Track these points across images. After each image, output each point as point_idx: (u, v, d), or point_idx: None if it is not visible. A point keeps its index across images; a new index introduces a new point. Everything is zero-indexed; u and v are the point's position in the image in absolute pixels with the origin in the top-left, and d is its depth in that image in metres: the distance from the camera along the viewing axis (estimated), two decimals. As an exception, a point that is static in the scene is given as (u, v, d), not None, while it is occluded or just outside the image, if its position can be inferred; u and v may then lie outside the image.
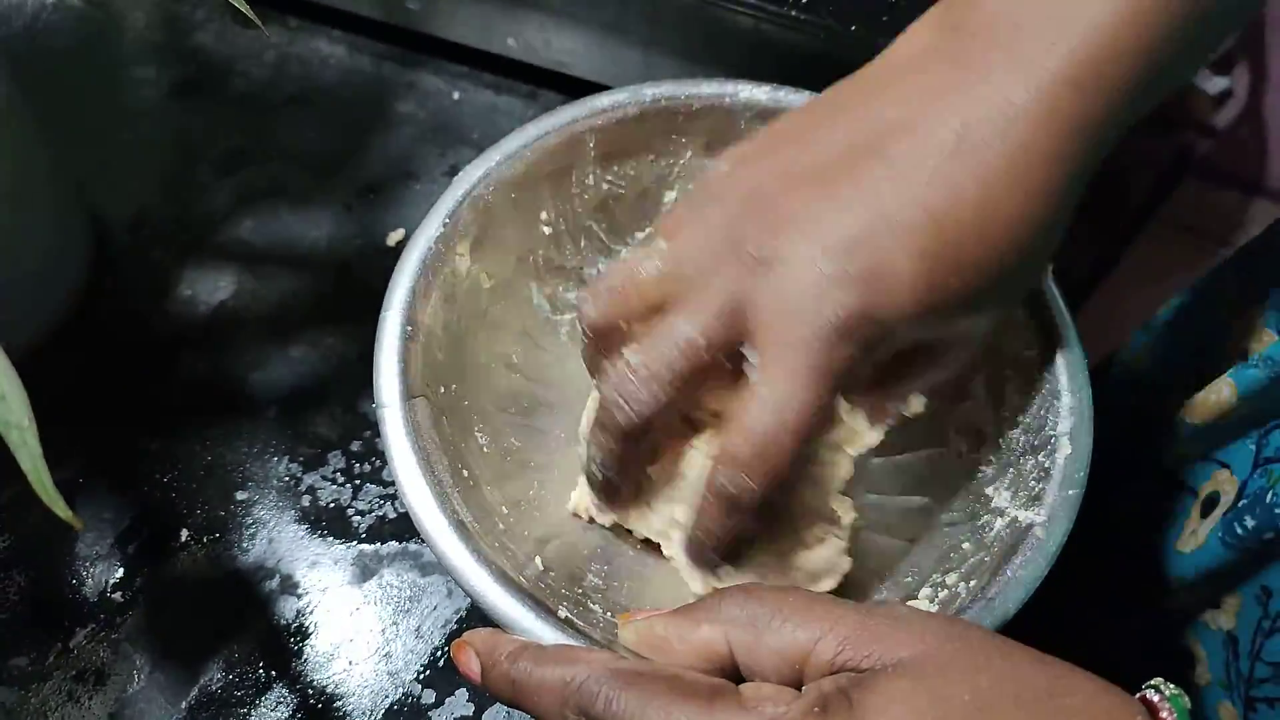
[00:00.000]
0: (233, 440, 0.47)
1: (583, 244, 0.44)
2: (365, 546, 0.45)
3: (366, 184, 0.54)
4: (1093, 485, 0.34)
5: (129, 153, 0.55)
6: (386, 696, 0.42)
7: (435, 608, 0.44)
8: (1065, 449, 0.34)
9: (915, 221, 0.30)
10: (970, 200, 0.30)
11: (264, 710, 0.41)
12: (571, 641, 0.30)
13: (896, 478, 0.42)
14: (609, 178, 0.43)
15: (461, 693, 0.42)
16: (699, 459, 0.35)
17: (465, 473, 0.37)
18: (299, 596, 0.44)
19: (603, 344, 0.34)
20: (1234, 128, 0.84)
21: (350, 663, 0.42)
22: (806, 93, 0.41)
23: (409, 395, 0.35)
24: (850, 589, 0.39)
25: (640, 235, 0.45)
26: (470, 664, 0.30)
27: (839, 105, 0.33)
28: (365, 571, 0.44)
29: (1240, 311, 0.45)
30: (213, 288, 0.51)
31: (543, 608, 0.32)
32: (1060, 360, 0.36)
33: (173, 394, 0.48)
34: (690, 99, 0.42)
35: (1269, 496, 0.38)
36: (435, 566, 0.44)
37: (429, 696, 0.42)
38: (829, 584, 0.37)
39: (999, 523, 0.34)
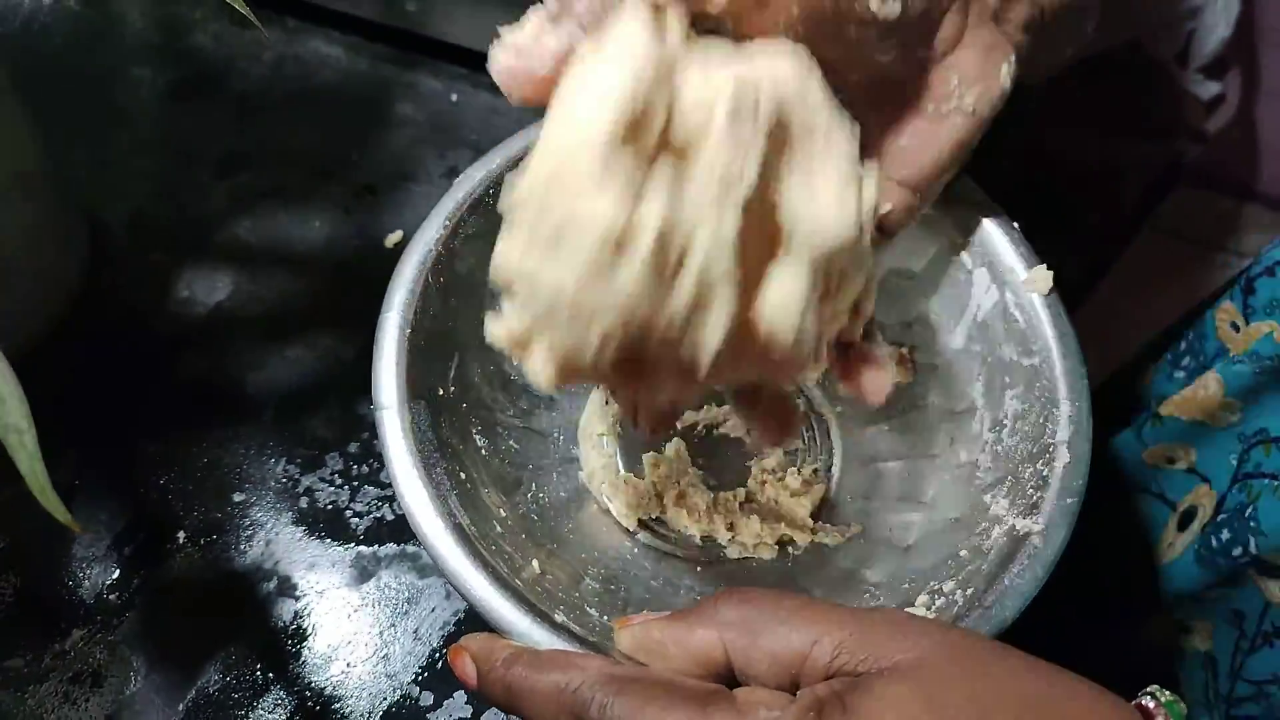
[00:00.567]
0: (230, 442, 0.47)
1: None
2: (363, 548, 0.45)
3: (365, 185, 0.54)
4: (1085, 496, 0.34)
5: (126, 153, 0.54)
6: (384, 698, 0.42)
7: (433, 609, 0.44)
8: (1064, 457, 0.34)
9: None
10: None
11: (261, 712, 0.41)
12: (568, 646, 0.30)
13: (893, 483, 0.43)
14: None
15: (459, 695, 0.42)
16: None
17: (463, 475, 0.37)
18: (297, 598, 0.44)
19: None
20: (1226, 133, 0.84)
21: (348, 665, 0.42)
22: None
23: (407, 398, 0.35)
24: (846, 595, 0.39)
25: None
26: (466, 669, 0.30)
27: None
28: (363, 573, 0.44)
29: (1241, 326, 0.45)
30: (210, 289, 0.51)
31: (539, 612, 0.32)
32: (1059, 368, 0.36)
33: (170, 395, 0.48)
34: None
35: (1247, 511, 0.38)
36: (433, 568, 0.44)
37: (427, 698, 0.42)
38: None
39: (997, 530, 0.34)
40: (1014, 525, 0.34)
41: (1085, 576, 0.44)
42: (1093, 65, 0.34)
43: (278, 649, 0.42)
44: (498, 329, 0.28)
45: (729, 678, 0.27)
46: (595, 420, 0.44)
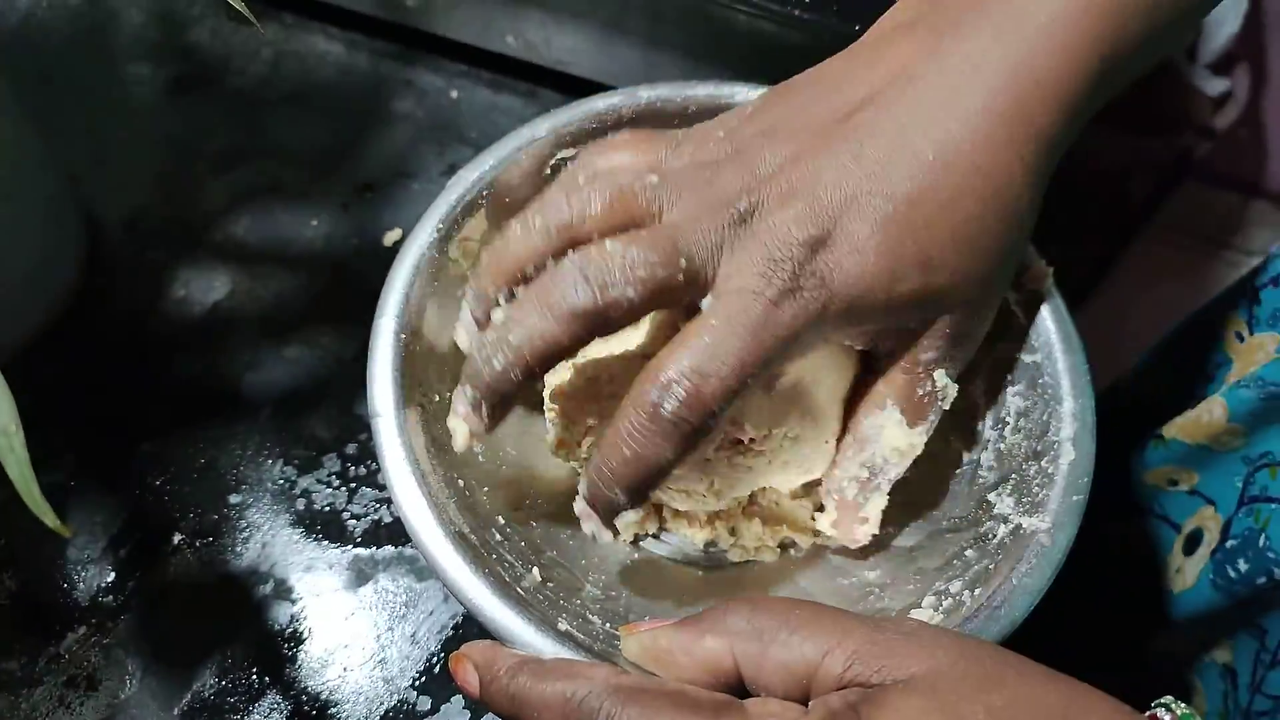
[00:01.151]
0: (226, 443, 0.47)
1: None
2: (360, 551, 0.44)
3: (363, 183, 0.54)
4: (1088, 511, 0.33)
5: (123, 150, 0.54)
6: (382, 703, 0.41)
7: (431, 613, 0.43)
8: (1069, 454, 0.33)
9: (880, 187, 0.31)
10: (928, 165, 0.31)
11: (257, 717, 0.41)
12: (572, 655, 0.30)
13: (896, 483, 0.42)
14: None
15: (457, 700, 0.41)
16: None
17: (461, 482, 0.36)
18: (293, 601, 0.43)
19: (562, 247, 0.32)
20: (1233, 130, 0.83)
21: (345, 669, 0.42)
22: None
23: (403, 404, 0.35)
24: (851, 597, 0.39)
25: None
26: (468, 678, 0.29)
27: (826, 74, 0.35)
28: (360, 576, 0.44)
29: (1245, 336, 0.45)
30: (207, 288, 0.50)
31: (542, 620, 0.31)
32: (1062, 364, 0.35)
33: (166, 395, 0.48)
34: (686, 101, 0.41)
35: (1261, 540, 0.38)
36: (432, 572, 0.44)
37: (425, 704, 0.41)
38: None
39: (1002, 529, 0.34)
40: (1020, 524, 0.33)
41: (1092, 592, 0.44)
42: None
43: (274, 653, 0.42)
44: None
45: (738, 688, 0.27)
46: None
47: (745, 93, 0.41)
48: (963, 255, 0.32)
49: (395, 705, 0.41)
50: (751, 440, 0.36)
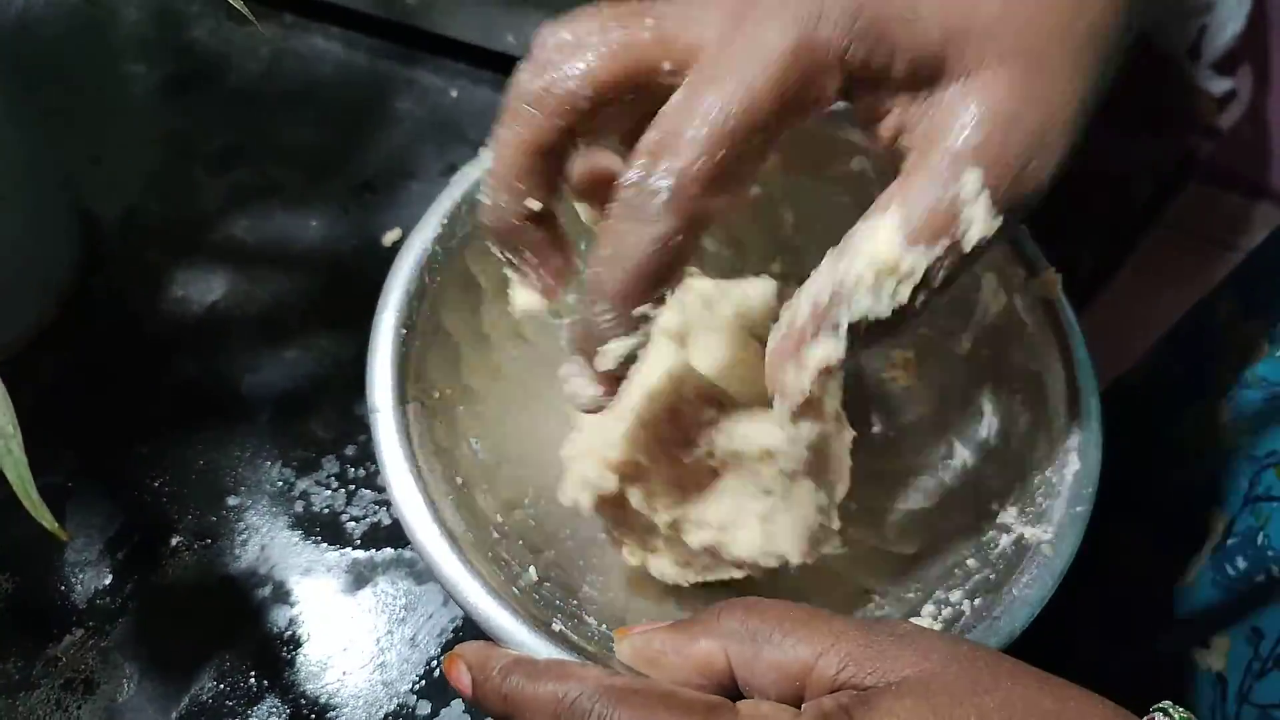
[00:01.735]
0: (225, 444, 0.46)
1: (582, 246, 0.43)
2: (359, 554, 0.44)
3: (363, 182, 0.53)
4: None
5: (120, 149, 0.54)
6: (381, 707, 0.41)
7: (431, 616, 0.43)
8: (1074, 465, 0.33)
9: None
10: None
11: (255, 721, 0.41)
12: (565, 656, 0.30)
13: (899, 489, 0.42)
14: None
15: (457, 704, 0.41)
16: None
17: (459, 480, 0.36)
18: (292, 604, 0.43)
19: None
20: (1238, 130, 0.83)
21: (344, 673, 0.42)
22: None
23: (403, 400, 0.35)
24: (849, 604, 0.38)
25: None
26: (462, 678, 0.29)
27: None
28: (359, 579, 0.44)
29: (1241, 330, 0.45)
30: (205, 288, 0.50)
31: (536, 621, 0.31)
32: (1069, 374, 0.35)
33: (164, 396, 0.47)
34: None
35: (1260, 538, 0.38)
36: (431, 575, 0.43)
37: (424, 708, 0.41)
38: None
39: (1005, 539, 0.34)
40: (1022, 534, 0.33)
41: (1093, 591, 0.44)
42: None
43: (272, 656, 0.42)
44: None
45: (731, 689, 0.27)
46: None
47: None
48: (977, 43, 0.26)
49: (394, 709, 0.41)
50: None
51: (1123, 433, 0.46)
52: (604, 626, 0.35)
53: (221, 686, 0.41)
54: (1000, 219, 0.26)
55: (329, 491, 0.45)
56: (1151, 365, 0.53)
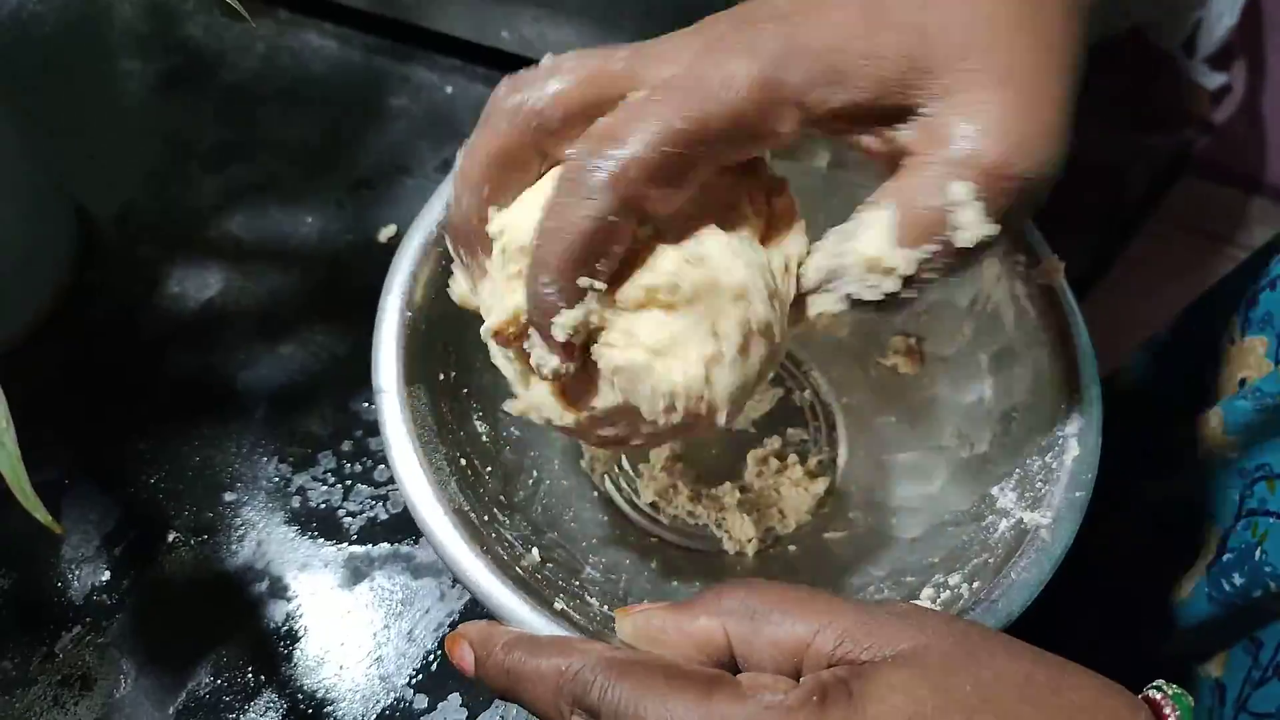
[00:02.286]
0: (221, 440, 0.46)
1: None
2: (356, 548, 0.44)
3: (358, 179, 0.53)
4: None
5: (115, 146, 0.54)
6: (378, 701, 0.41)
7: (428, 611, 0.43)
8: (1073, 450, 0.33)
9: None
10: None
11: (253, 716, 0.40)
12: (567, 633, 0.30)
13: (900, 475, 0.42)
14: None
15: (454, 698, 0.41)
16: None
17: (463, 461, 0.36)
18: (289, 599, 0.43)
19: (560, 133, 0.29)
20: (1232, 124, 0.83)
21: (341, 667, 0.42)
22: None
23: (407, 381, 0.35)
24: (850, 587, 0.38)
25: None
26: (465, 656, 0.29)
27: None
28: (356, 574, 0.43)
29: (1232, 341, 0.45)
30: (201, 284, 0.50)
31: (539, 599, 0.31)
32: (1070, 359, 0.35)
33: (160, 392, 0.47)
34: None
35: (1258, 554, 0.38)
36: (428, 569, 0.44)
37: (421, 701, 0.41)
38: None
39: (1003, 523, 0.34)
40: (1021, 519, 0.33)
41: (1090, 595, 0.44)
42: (1097, 55, 0.33)
43: (269, 651, 0.42)
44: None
45: (731, 667, 0.27)
46: None
47: None
48: (978, 19, 0.27)
49: (392, 703, 0.41)
50: None
51: (1114, 439, 0.46)
52: (605, 607, 0.35)
53: (219, 682, 0.41)
54: (996, 225, 0.27)
55: (325, 487, 0.45)
56: (1142, 372, 0.53)
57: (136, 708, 0.40)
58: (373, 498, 0.45)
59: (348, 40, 0.57)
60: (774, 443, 0.44)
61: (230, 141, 0.54)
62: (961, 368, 0.40)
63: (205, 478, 0.45)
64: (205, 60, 0.56)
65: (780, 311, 0.29)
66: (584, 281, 0.27)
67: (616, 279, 0.28)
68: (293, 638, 0.42)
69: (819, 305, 0.29)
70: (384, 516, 0.45)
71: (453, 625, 0.43)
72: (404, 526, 0.44)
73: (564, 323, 0.28)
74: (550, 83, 0.28)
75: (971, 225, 0.26)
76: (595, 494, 0.42)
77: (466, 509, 0.33)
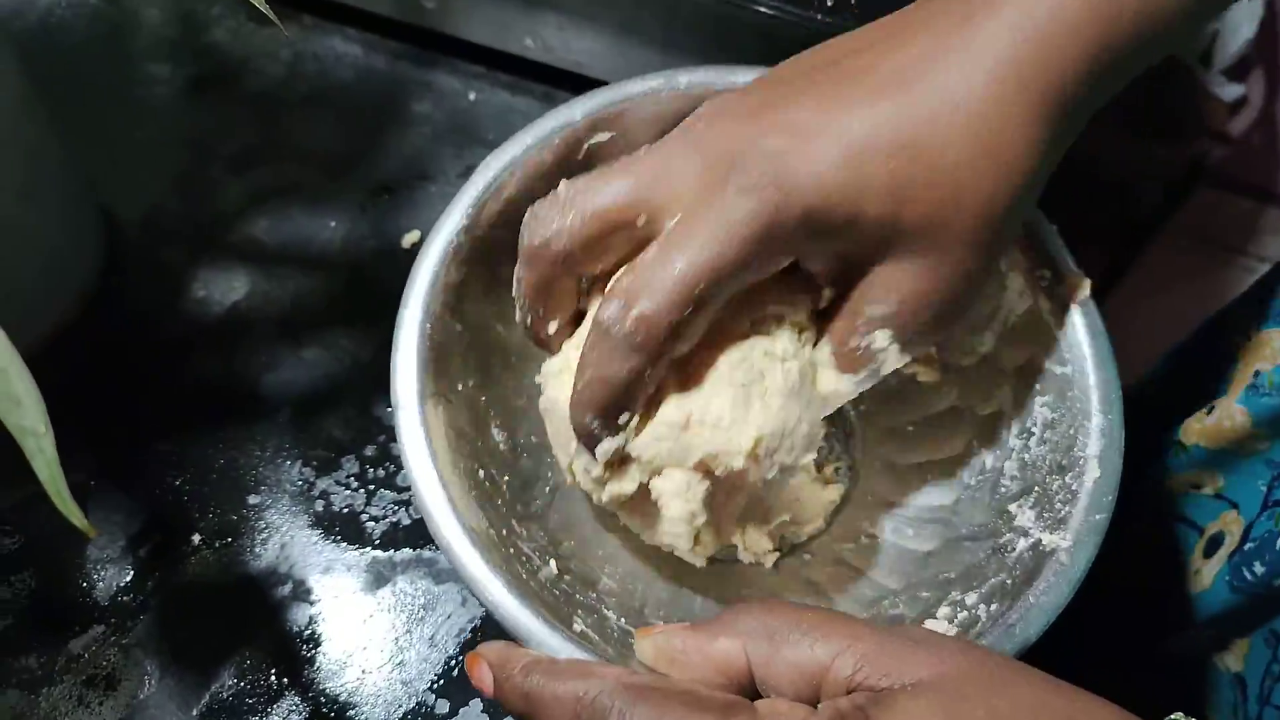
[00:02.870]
0: (245, 443, 0.47)
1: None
2: (379, 553, 0.44)
3: (381, 184, 0.54)
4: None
5: (141, 150, 0.54)
6: (400, 706, 0.41)
7: (449, 616, 0.43)
8: (1094, 472, 0.33)
9: (854, 116, 0.30)
10: (920, 100, 0.30)
11: (276, 719, 0.41)
12: (586, 656, 0.30)
13: (917, 483, 0.42)
14: None
15: (476, 704, 0.41)
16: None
17: (481, 474, 0.36)
18: (311, 603, 0.43)
19: (571, 272, 0.34)
20: (1249, 135, 0.83)
21: (363, 671, 0.42)
22: None
23: (427, 394, 0.35)
24: (865, 600, 0.39)
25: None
26: (483, 676, 0.30)
27: (824, 43, 0.34)
28: (379, 578, 0.44)
29: (1258, 336, 0.45)
30: (226, 288, 0.50)
31: (558, 618, 0.31)
32: (1094, 379, 0.35)
33: (184, 395, 0.48)
34: (727, 88, 0.41)
35: (1278, 543, 0.38)
36: (449, 574, 0.44)
37: (443, 707, 0.41)
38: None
39: (1022, 543, 0.34)
40: (1040, 540, 0.33)
41: (1111, 591, 0.44)
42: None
43: (292, 655, 0.42)
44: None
45: (750, 689, 0.27)
46: None
47: None
48: (945, 199, 0.30)
49: (413, 708, 0.41)
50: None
51: (1137, 434, 0.46)
52: (624, 621, 0.35)
53: (242, 684, 0.42)
54: (909, 355, 0.34)
55: (349, 491, 0.46)
56: (1166, 369, 0.53)
57: (160, 709, 0.41)
58: (395, 503, 0.45)
59: (372, 46, 0.58)
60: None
61: (255, 146, 0.54)
62: (982, 379, 0.40)
63: (229, 480, 0.46)
64: (231, 66, 0.56)
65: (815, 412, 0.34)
66: (622, 418, 0.32)
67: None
68: (315, 641, 0.43)
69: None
70: (406, 521, 0.45)
71: (474, 631, 0.43)
72: (426, 532, 0.44)
73: (606, 449, 0.33)
74: (569, 219, 0.32)
75: (892, 360, 0.34)
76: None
77: (484, 526, 0.34)
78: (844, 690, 0.25)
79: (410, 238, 0.52)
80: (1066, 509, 0.33)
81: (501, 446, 0.39)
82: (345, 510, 0.45)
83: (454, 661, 0.42)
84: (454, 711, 0.41)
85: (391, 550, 0.44)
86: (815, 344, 0.35)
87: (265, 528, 0.45)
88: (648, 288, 0.30)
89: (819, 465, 0.43)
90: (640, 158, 0.32)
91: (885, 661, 0.25)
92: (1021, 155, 0.31)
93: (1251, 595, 0.40)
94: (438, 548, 0.33)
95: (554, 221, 0.32)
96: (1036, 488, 0.35)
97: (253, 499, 0.45)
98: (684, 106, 0.40)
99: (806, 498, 0.43)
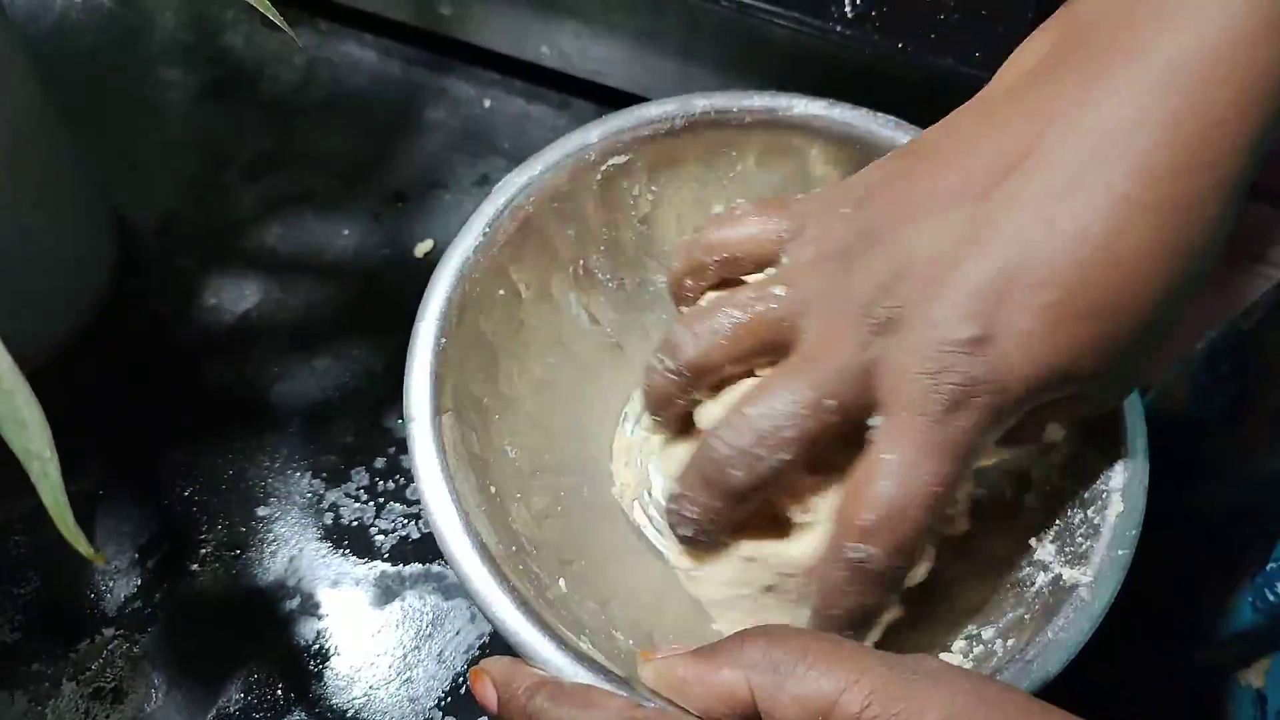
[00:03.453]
0: (255, 453, 0.46)
1: (626, 255, 0.43)
2: (388, 567, 0.44)
3: (395, 192, 0.53)
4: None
5: (156, 155, 0.54)
6: (407, 723, 0.41)
7: (458, 632, 0.43)
8: (1117, 505, 0.32)
9: (1037, 273, 0.28)
10: (1094, 237, 0.28)
11: (283, 734, 0.41)
12: (592, 677, 0.30)
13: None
14: (655, 188, 0.42)
15: (483, 721, 0.41)
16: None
17: (493, 489, 0.36)
18: (320, 617, 0.43)
19: (698, 384, 0.34)
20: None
21: (371, 687, 0.42)
22: (863, 109, 0.40)
23: (440, 409, 0.35)
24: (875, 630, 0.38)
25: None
26: (487, 693, 0.29)
27: (958, 134, 0.31)
28: (387, 593, 0.44)
29: None
30: (238, 296, 0.50)
31: (565, 639, 0.31)
32: (1118, 411, 0.34)
33: (195, 404, 0.48)
34: (742, 112, 0.40)
35: None
36: (459, 590, 0.44)
37: (450, 725, 0.41)
38: None
39: (1041, 578, 0.33)
40: (1060, 575, 0.33)
41: (1130, 604, 0.43)
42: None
43: (300, 669, 0.42)
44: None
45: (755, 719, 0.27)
46: (630, 437, 0.44)
47: (804, 105, 0.40)
48: (1138, 331, 0.29)
49: (420, 726, 0.41)
50: None
51: (1160, 453, 0.45)
52: (633, 643, 0.35)
53: (249, 698, 0.41)
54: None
55: (358, 504, 0.45)
56: (1190, 388, 0.53)
57: (168, 722, 0.41)
58: (405, 516, 0.45)
59: (387, 52, 0.57)
60: None
61: (269, 153, 0.54)
62: None
63: (239, 491, 0.46)
64: (245, 71, 0.56)
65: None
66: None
67: None
68: (323, 656, 0.42)
69: None
70: (416, 535, 0.45)
71: (483, 648, 0.43)
72: (435, 546, 0.44)
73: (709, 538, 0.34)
74: (717, 341, 0.33)
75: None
76: (625, 522, 0.42)
77: (494, 542, 0.33)
78: None
79: (424, 246, 0.51)
80: (1088, 543, 0.32)
81: (515, 463, 0.39)
82: (354, 523, 0.45)
83: (462, 679, 0.42)
84: (462, 730, 0.41)
85: (401, 564, 0.44)
86: None
87: (274, 540, 0.45)
88: (893, 519, 0.30)
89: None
90: (805, 344, 0.31)
91: (896, 697, 0.24)
92: (1205, 247, 0.30)
93: (1272, 616, 0.39)
94: (447, 563, 0.33)
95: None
96: (1058, 520, 0.34)
97: (262, 510, 0.45)
98: (700, 131, 0.40)
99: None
